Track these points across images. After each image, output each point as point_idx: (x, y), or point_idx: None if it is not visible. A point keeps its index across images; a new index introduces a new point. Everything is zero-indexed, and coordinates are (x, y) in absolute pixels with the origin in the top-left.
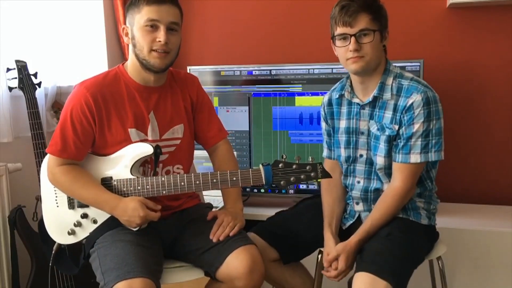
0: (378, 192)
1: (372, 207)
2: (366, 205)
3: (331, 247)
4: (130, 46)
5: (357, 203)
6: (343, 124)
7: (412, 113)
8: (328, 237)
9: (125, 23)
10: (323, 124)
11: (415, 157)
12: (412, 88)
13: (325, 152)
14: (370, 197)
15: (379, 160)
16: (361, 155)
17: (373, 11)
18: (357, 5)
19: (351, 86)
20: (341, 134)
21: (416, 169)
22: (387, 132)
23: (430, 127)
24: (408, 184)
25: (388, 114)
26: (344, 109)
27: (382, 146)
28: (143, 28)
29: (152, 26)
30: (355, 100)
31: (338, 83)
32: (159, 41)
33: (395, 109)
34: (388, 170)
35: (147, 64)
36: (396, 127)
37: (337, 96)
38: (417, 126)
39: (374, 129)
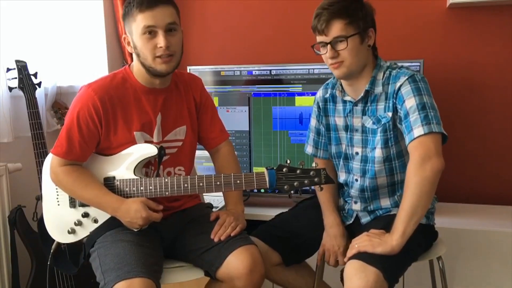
0: (374, 191)
1: (370, 206)
2: (364, 204)
3: (340, 240)
4: (134, 55)
5: (355, 202)
6: (340, 121)
7: (401, 93)
8: (339, 232)
9: (125, 32)
10: (313, 122)
11: (418, 130)
12: (400, 73)
13: (310, 150)
14: (367, 196)
15: (378, 153)
16: (356, 153)
17: (348, 16)
18: (328, 12)
19: (341, 85)
20: (340, 131)
21: (426, 143)
22: (383, 121)
23: (423, 100)
24: (422, 154)
25: (381, 105)
26: (340, 107)
27: (379, 137)
28: (141, 37)
29: (150, 32)
30: (347, 98)
31: (330, 79)
32: (160, 46)
33: (386, 98)
34: (387, 163)
35: (154, 72)
36: (390, 114)
37: (329, 94)
38: (409, 102)
39: (369, 124)
